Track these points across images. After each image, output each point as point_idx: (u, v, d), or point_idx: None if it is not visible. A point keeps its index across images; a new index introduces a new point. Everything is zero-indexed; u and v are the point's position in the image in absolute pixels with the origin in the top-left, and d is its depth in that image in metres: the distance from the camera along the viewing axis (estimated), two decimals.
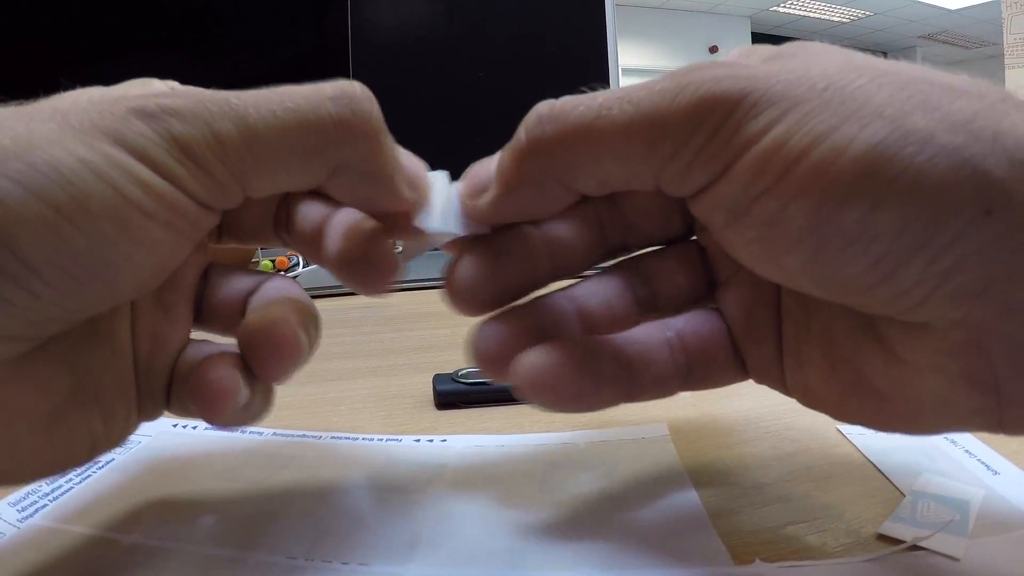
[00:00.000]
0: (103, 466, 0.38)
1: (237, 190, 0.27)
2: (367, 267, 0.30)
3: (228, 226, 0.32)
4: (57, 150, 0.22)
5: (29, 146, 0.22)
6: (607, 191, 0.29)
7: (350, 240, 0.29)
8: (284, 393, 0.51)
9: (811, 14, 8.71)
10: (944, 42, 9.31)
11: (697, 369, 0.31)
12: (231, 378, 0.28)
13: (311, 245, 0.31)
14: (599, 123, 0.26)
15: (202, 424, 0.44)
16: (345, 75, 1.05)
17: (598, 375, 0.29)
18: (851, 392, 0.28)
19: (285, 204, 0.32)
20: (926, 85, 0.23)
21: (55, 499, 0.35)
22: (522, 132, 0.28)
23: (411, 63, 1.15)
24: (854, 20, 8.80)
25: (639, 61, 8.42)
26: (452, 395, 0.48)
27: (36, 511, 0.34)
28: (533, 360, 0.28)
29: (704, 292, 0.32)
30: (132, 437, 0.41)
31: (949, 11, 8.04)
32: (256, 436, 0.43)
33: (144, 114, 0.24)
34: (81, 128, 0.23)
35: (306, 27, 1.20)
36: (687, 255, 0.32)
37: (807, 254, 0.24)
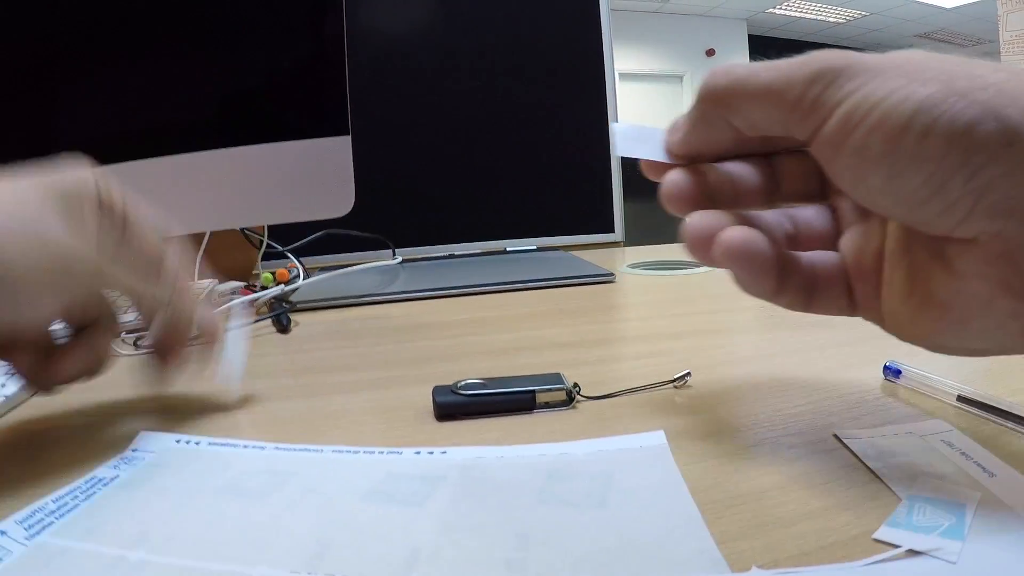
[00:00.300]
0: (108, 483, 0.39)
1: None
2: None
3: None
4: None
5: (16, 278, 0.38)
6: (755, 132, 0.39)
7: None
8: (284, 407, 0.52)
9: (807, 15, 8.71)
10: (940, 40, 9.30)
11: (819, 292, 0.41)
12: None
13: None
14: (752, 79, 0.37)
15: (205, 440, 0.45)
16: (342, 82, 1.05)
17: (786, 261, 0.40)
18: (921, 307, 0.36)
19: None
20: (970, 63, 0.32)
21: (61, 516, 0.35)
22: (701, 85, 0.39)
23: (407, 69, 1.16)
24: (850, 20, 8.79)
25: (635, 66, 8.42)
26: (452, 407, 0.48)
27: (43, 529, 0.34)
28: (739, 233, 0.38)
29: (831, 238, 0.43)
30: (136, 454, 0.42)
31: (944, 9, 8.04)
32: (258, 451, 0.43)
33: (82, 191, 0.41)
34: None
35: (302, 34, 1.21)
36: (822, 210, 0.44)
37: (883, 172, 0.33)
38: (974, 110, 0.30)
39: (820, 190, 0.43)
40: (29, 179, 0.42)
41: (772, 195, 0.43)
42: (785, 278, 0.39)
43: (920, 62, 0.33)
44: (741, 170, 0.42)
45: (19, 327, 0.40)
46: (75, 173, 0.45)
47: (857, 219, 0.41)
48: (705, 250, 0.38)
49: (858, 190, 0.35)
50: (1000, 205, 0.31)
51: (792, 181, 0.43)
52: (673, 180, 0.41)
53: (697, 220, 0.39)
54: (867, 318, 0.41)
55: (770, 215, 0.43)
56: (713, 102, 0.39)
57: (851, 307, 0.41)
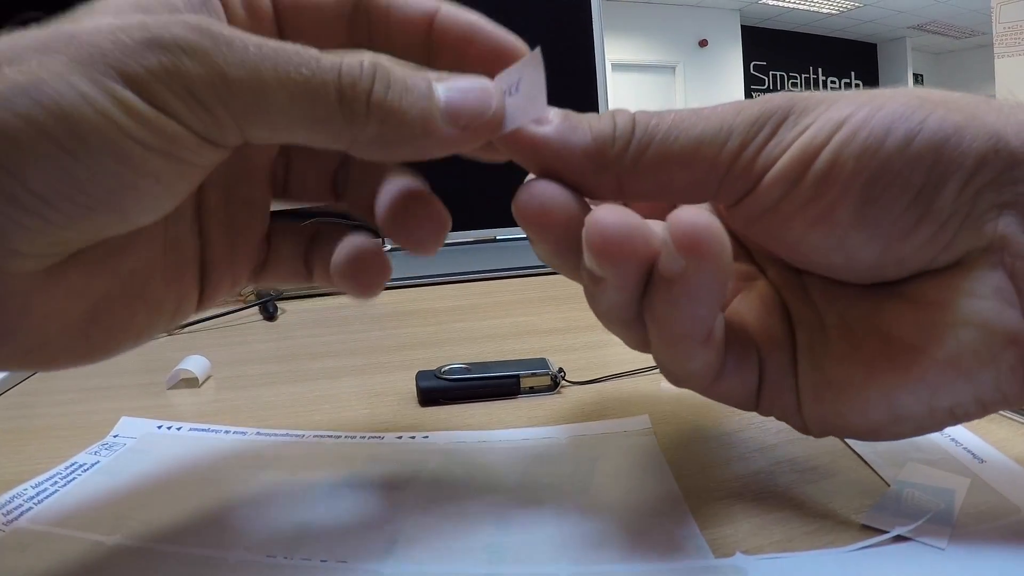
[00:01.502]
0: (89, 468, 0.38)
1: (237, 132, 0.26)
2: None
3: (283, 185, 0.37)
4: (61, 85, 0.23)
5: (37, 81, 0.23)
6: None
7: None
8: (268, 392, 0.51)
9: (800, 6, 8.72)
10: (934, 32, 9.33)
11: (728, 359, 0.32)
12: (387, 269, 0.36)
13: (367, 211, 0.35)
14: (678, 129, 0.29)
15: (187, 425, 0.44)
16: None
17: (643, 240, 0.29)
18: (880, 358, 0.29)
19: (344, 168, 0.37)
20: (931, 92, 0.28)
21: (40, 502, 0.35)
22: (608, 125, 0.29)
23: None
24: (843, 11, 8.81)
25: (627, 56, 8.43)
26: (435, 392, 0.48)
27: (21, 514, 0.34)
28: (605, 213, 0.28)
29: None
30: (117, 440, 0.41)
31: (938, 1, 8.06)
32: (240, 436, 0.42)
33: (158, 46, 0.24)
34: (89, 61, 0.23)
35: None
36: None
37: (856, 200, 0.27)
38: (957, 115, 0.27)
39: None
40: None
41: None
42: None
43: (883, 93, 0.28)
44: None
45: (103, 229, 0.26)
46: None
47: (750, 279, 0.35)
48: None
49: (805, 245, 0.29)
50: (986, 213, 0.27)
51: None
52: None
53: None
54: (773, 414, 0.33)
55: None
56: (623, 175, 0.29)
57: (755, 402, 0.33)
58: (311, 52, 0.26)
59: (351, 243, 0.35)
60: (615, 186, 0.30)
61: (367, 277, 0.35)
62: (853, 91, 0.29)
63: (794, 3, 8.65)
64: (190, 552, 0.30)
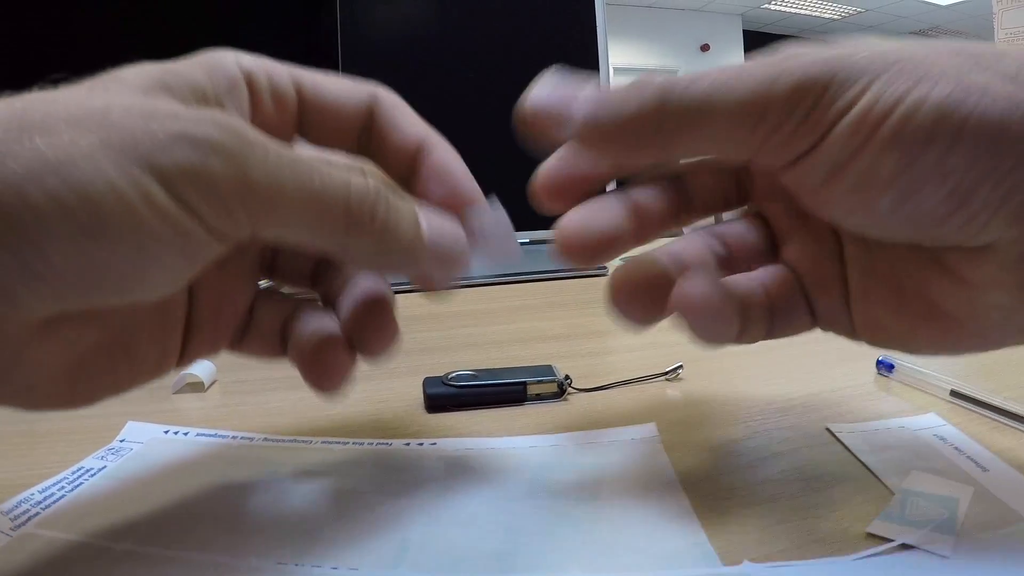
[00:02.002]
0: (95, 473, 0.38)
1: (249, 231, 0.27)
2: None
3: (269, 267, 0.39)
4: (91, 170, 0.23)
5: (68, 162, 0.23)
6: (688, 157, 0.35)
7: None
8: (274, 397, 0.51)
9: (802, 11, 8.73)
10: (935, 38, 9.33)
11: (778, 317, 0.35)
12: (345, 365, 0.35)
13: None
14: (711, 105, 0.29)
15: (194, 431, 0.44)
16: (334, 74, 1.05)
17: (732, 306, 0.33)
18: (922, 321, 0.32)
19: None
20: (976, 50, 0.28)
21: (47, 507, 0.35)
22: (634, 104, 0.30)
23: (400, 63, 1.15)
24: (845, 17, 8.82)
25: (629, 60, 8.43)
26: (442, 398, 0.48)
27: (29, 519, 0.34)
28: (695, 289, 0.32)
29: (770, 250, 0.37)
30: (124, 444, 0.42)
31: (940, 7, 8.06)
32: (247, 441, 0.43)
33: (189, 142, 0.25)
34: (120, 147, 0.24)
35: (295, 27, 1.20)
36: (751, 220, 0.38)
37: (897, 195, 0.28)
38: (999, 107, 0.26)
39: (738, 194, 0.38)
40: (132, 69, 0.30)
41: (682, 214, 0.37)
42: (746, 317, 0.34)
43: (917, 57, 0.28)
44: (648, 198, 0.36)
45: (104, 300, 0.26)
46: (202, 57, 0.32)
47: (797, 225, 0.36)
48: (639, 311, 0.35)
49: (852, 219, 0.31)
50: (1022, 206, 0.27)
51: (704, 192, 0.37)
52: (574, 226, 0.35)
53: (625, 285, 0.35)
54: (832, 331, 0.36)
55: (699, 241, 0.37)
56: (652, 132, 0.31)
57: (812, 323, 0.36)
58: (324, 163, 0.28)
59: (318, 325, 0.36)
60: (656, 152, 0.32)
61: (321, 368, 0.36)
62: (889, 54, 0.28)
63: (796, 8, 8.65)
64: (200, 558, 0.30)
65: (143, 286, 0.26)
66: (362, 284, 0.37)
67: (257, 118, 0.34)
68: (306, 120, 0.36)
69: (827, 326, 0.36)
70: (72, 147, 0.23)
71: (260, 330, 0.38)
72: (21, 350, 0.26)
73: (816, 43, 0.31)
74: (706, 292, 0.32)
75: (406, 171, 0.37)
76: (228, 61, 0.33)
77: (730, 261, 0.37)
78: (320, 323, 0.36)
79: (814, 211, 0.33)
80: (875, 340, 0.35)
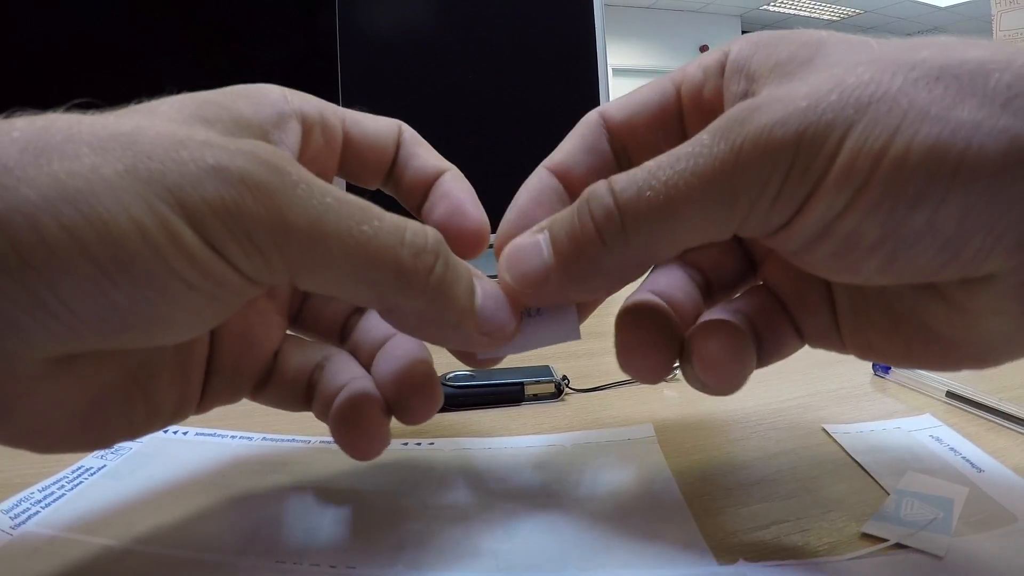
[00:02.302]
0: (96, 472, 0.39)
1: (286, 278, 0.25)
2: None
3: (295, 316, 0.37)
4: (113, 203, 0.21)
5: (87, 192, 0.21)
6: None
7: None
8: None
9: (801, 12, 8.72)
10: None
11: (766, 345, 0.33)
12: (384, 435, 0.32)
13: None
14: (672, 203, 0.26)
15: (193, 430, 0.44)
16: (334, 77, 1.05)
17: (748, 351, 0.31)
18: (917, 342, 0.30)
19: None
20: (956, 69, 0.24)
21: (48, 506, 0.35)
22: (590, 225, 0.28)
23: (399, 65, 1.15)
24: (844, 18, 8.81)
25: (628, 61, 8.42)
26: None
27: (29, 518, 0.34)
28: (714, 351, 0.30)
29: (748, 272, 0.36)
30: (123, 444, 0.42)
31: (939, 8, 8.06)
32: (246, 441, 0.43)
33: (221, 177, 0.23)
34: (147, 177, 0.22)
35: (294, 29, 1.20)
36: (727, 244, 0.35)
37: (883, 258, 0.25)
38: (993, 148, 0.23)
39: (748, 264, 0.36)
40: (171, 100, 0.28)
41: (708, 299, 0.36)
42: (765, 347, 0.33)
43: (892, 92, 0.24)
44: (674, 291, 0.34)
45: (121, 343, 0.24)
46: (244, 88, 0.31)
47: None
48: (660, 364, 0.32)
49: (842, 276, 0.28)
50: (1019, 238, 0.24)
51: (718, 271, 0.36)
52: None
53: (641, 360, 0.32)
54: (822, 348, 0.35)
55: (678, 273, 0.35)
56: (615, 251, 0.28)
57: (801, 342, 0.35)
58: (374, 210, 0.26)
59: (351, 380, 0.34)
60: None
61: (357, 432, 0.32)
62: (856, 91, 0.24)
63: (795, 9, 8.65)
64: (200, 557, 0.30)
65: (166, 331, 0.24)
66: (403, 345, 0.34)
67: (307, 154, 0.33)
68: (346, 157, 0.36)
69: (816, 344, 0.34)
70: (93, 175, 0.21)
71: (284, 377, 0.35)
72: (32, 387, 0.24)
73: (771, 40, 0.30)
74: (728, 354, 0.30)
75: (420, 199, 0.37)
76: (274, 93, 0.31)
77: (709, 288, 0.35)
78: (353, 378, 0.34)
79: (805, 269, 0.29)
80: (867, 356, 0.33)
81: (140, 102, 0.27)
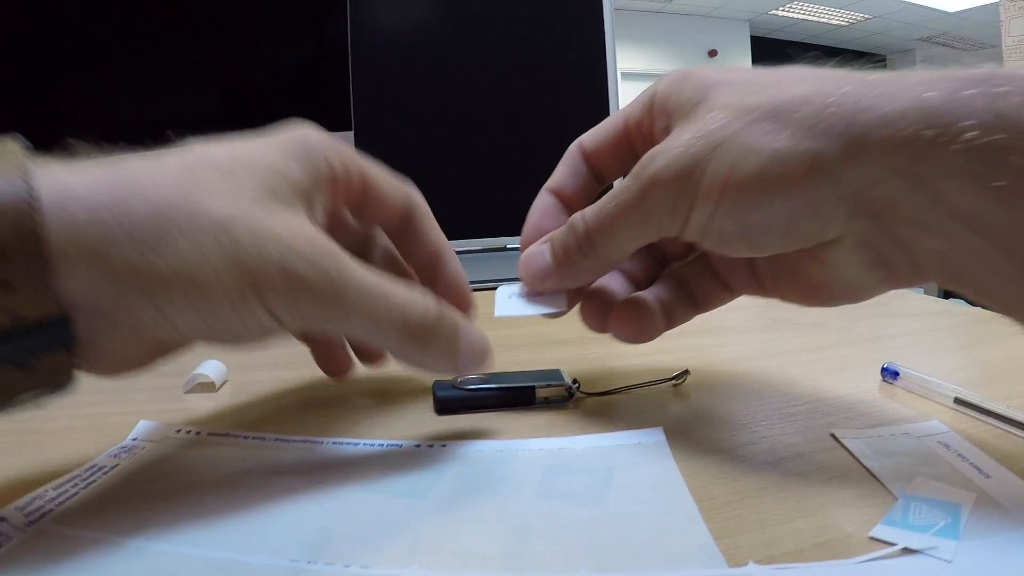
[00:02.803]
0: (109, 471, 0.39)
1: (321, 332, 0.40)
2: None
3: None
4: (218, 287, 0.33)
5: (200, 274, 0.33)
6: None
7: None
8: (286, 399, 0.52)
9: (810, 17, 8.70)
10: (943, 44, 9.30)
11: (699, 296, 0.48)
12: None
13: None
14: (614, 224, 0.41)
15: (206, 430, 0.45)
16: (344, 77, 1.05)
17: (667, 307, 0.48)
18: (809, 287, 0.42)
19: None
20: (781, 108, 0.36)
21: (61, 504, 0.35)
22: (572, 240, 0.43)
23: (410, 68, 1.15)
24: (853, 23, 8.79)
25: (637, 65, 8.41)
26: (452, 401, 0.48)
27: (43, 516, 0.34)
28: (626, 315, 0.46)
29: (691, 250, 0.50)
30: (136, 443, 0.42)
31: (948, 14, 8.04)
32: (258, 441, 0.43)
33: (286, 275, 0.34)
34: (241, 268, 0.33)
35: (305, 32, 1.20)
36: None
37: (748, 242, 0.38)
38: (802, 164, 0.35)
39: (689, 246, 0.50)
40: (219, 145, 0.38)
41: (663, 267, 0.51)
42: (671, 317, 0.47)
43: (727, 126, 0.37)
44: (632, 268, 0.51)
45: (223, 342, 0.37)
46: (294, 132, 0.41)
47: None
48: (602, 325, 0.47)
49: (731, 253, 0.41)
50: (844, 215, 0.36)
51: (672, 251, 0.51)
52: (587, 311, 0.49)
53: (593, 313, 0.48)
54: (749, 294, 0.48)
55: (615, 276, 0.51)
56: (588, 254, 0.43)
57: (730, 293, 0.48)
58: (391, 284, 0.38)
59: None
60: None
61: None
62: (714, 131, 0.37)
63: (804, 14, 8.63)
64: (214, 556, 0.31)
65: (237, 344, 0.37)
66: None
67: (335, 199, 0.42)
68: (360, 204, 0.45)
69: (744, 291, 0.47)
70: (205, 262, 0.32)
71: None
72: (133, 351, 0.36)
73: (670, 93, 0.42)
74: (634, 317, 0.46)
75: (424, 270, 0.49)
76: (318, 153, 0.40)
77: (667, 260, 0.52)
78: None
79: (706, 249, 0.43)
80: (782, 299, 0.45)
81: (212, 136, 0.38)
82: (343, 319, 0.36)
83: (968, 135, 0.31)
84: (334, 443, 0.42)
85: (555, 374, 0.50)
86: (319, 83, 1.17)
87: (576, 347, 0.64)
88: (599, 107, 1.18)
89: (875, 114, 0.34)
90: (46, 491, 0.36)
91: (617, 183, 0.42)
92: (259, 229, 0.34)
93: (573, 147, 0.49)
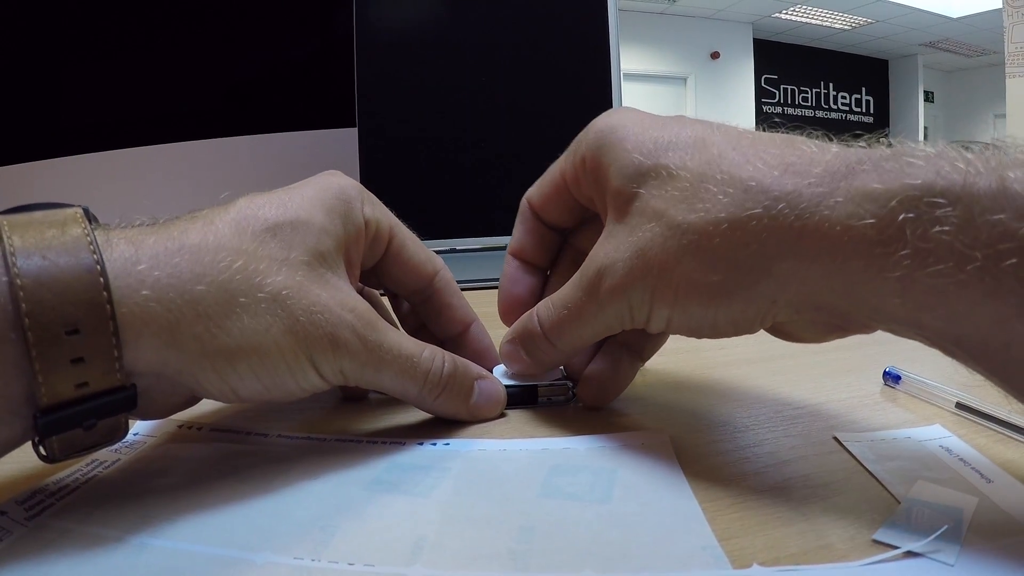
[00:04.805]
0: (109, 466, 0.39)
1: (354, 384, 0.42)
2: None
3: None
4: (277, 355, 0.37)
5: (261, 343, 0.36)
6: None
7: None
8: None
9: (813, 21, 8.70)
10: (946, 50, 9.30)
11: (645, 348, 0.49)
12: None
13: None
14: (566, 323, 0.44)
15: (208, 426, 0.45)
16: (350, 74, 1.05)
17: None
18: (783, 334, 0.42)
19: None
20: (712, 239, 0.36)
21: (61, 498, 0.35)
22: (532, 336, 0.46)
23: (415, 66, 1.15)
24: (856, 27, 8.79)
25: (639, 66, 8.41)
26: None
27: (43, 510, 0.34)
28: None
29: None
30: (137, 439, 0.42)
31: (951, 19, 8.04)
32: (261, 438, 0.43)
33: (332, 342, 0.38)
34: (295, 336, 0.37)
35: (311, 28, 1.21)
36: None
37: (707, 331, 0.40)
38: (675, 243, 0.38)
39: None
40: (267, 203, 0.40)
41: None
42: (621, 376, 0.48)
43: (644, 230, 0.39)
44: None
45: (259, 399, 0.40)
46: (333, 185, 0.44)
47: None
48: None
49: (700, 337, 0.41)
50: (792, 312, 0.37)
51: None
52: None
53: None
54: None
55: None
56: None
57: (666, 337, 0.49)
58: (410, 350, 0.42)
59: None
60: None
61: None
62: (648, 249, 0.39)
63: (807, 18, 8.63)
64: (216, 552, 0.31)
65: (282, 399, 0.40)
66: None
67: (365, 255, 0.46)
68: (385, 262, 0.48)
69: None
70: (267, 334, 0.36)
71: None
72: (180, 400, 0.39)
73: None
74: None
75: (452, 341, 0.52)
76: (356, 208, 0.44)
77: None
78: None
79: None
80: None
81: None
82: (376, 376, 0.41)
83: (901, 269, 0.31)
84: (337, 440, 0.43)
85: (558, 373, 0.50)
86: (324, 79, 1.17)
87: None
88: (602, 107, 1.17)
89: (808, 243, 0.34)
90: (46, 485, 0.36)
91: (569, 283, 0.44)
92: (310, 301, 0.38)
93: (523, 204, 0.52)
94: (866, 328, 0.37)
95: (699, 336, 0.40)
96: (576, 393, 0.49)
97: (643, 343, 0.48)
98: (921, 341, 0.34)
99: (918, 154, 0.32)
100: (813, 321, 0.38)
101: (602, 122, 0.44)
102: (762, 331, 0.40)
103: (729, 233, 0.36)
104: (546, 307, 0.45)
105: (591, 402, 0.48)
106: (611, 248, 0.41)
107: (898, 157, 0.33)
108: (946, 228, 0.30)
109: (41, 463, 0.35)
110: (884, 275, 0.32)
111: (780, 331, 0.41)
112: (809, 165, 0.35)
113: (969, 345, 0.32)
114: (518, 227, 0.52)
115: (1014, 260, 0.29)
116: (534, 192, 0.51)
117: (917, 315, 0.32)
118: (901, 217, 0.31)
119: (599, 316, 0.42)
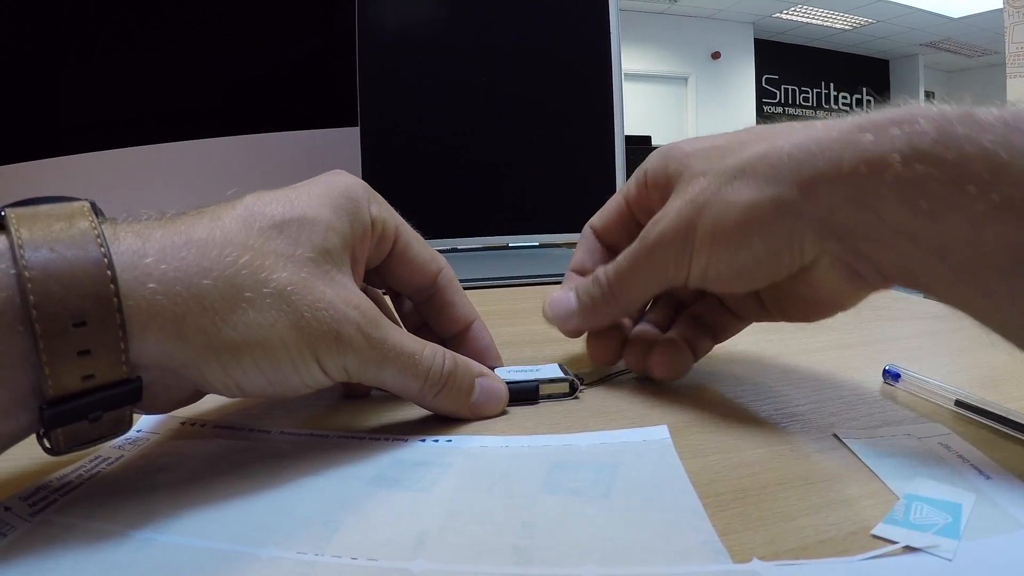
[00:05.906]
0: (113, 462, 0.39)
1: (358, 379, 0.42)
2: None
3: None
4: (283, 351, 0.37)
5: (267, 339, 0.36)
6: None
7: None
8: None
9: (814, 21, 8.71)
10: (946, 50, 9.31)
11: (716, 328, 0.55)
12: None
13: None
14: (628, 276, 0.51)
15: (211, 422, 0.45)
16: (352, 73, 1.05)
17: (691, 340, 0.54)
18: (804, 305, 0.49)
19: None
20: (750, 164, 0.44)
21: (65, 494, 0.35)
22: (596, 288, 0.53)
23: (417, 64, 1.16)
24: (857, 28, 8.80)
25: (640, 66, 8.41)
26: None
27: (47, 506, 0.34)
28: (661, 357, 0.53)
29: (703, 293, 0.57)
30: (140, 435, 0.42)
31: (952, 19, 8.04)
32: (264, 434, 0.43)
33: (336, 338, 0.39)
34: (300, 331, 0.37)
35: (313, 27, 1.21)
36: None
37: (742, 279, 0.46)
38: (772, 209, 0.42)
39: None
40: (274, 200, 0.41)
41: (679, 314, 0.58)
42: (696, 350, 0.54)
43: (709, 192, 0.45)
44: (656, 317, 0.58)
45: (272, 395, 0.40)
46: (340, 184, 0.45)
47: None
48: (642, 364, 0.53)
49: (731, 291, 0.50)
50: (813, 239, 0.42)
51: (685, 292, 0.58)
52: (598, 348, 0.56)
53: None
54: (756, 321, 0.55)
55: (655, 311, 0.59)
56: (613, 298, 0.52)
57: (741, 321, 0.56)
58: (412, 347, 0.43)
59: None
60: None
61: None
62: (698, 195, 0.46)
63: (808, 18, 8.63)
64: (220, 547, 0.31)
65: (286, 395, 0.40)
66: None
67: (371, 254, 0.47)
68: (390, 262, 0.49)
69: (752, 319, 0.55)
70: (272, 329, 0.36)
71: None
72: (185, 395, 0.39)
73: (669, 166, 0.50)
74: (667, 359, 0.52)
75: (454, 339, 0.54)
76: (363, 210, 0.44)
77: (682, 303, 0.59)
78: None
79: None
80: (786, 320, 0.52)
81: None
82: (378, 373, 0.41)
83: (894, 169, 0.38)
84: (340, 437, 0.43)
85: (559, 370, 0.51)
86: (326, 77, 1.17)
87: (579, 344, 0.64)
88: (604, 107, 1.18)
89: (822, 159, 0.41)
90: (50, 481, 0.37)
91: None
92: (315, 298, 0.38)
93: (586, 230, 0.59)
94: (879, 265, 0.41)
95: (733, 289, 0.47)
96: (653, 364, 0.52)
97: (715, 320, 0.55)
98: (918, 265, 0.40)
99: (899, 104, 0.40)
100: (835, 263, 0.43)
101: (661, 148, 0.52)
102: (762, 331, 0.41)
103: (760, 159, 0.43)
104: (611, 264, 0.51)
105: (660, 373, 0.52)
106: (666, 207, 0.48)
107: (885, 108, 0.41)
108: (926, 134, 0.37)
109: (44, 459, 0.35)
110: (882, 176, 0.38)
111: (808, 283, 0.45)
112: (828, 130, 0.42)
113: (951, 255, 0.38)
114: (579, 249, 0.59)
115: (978, 163, 0.35)
116: (596, 219, 0.59)
117: (911, 221, 0.38)
118: (893, 130, 0.38)
119: (650, 261, 0.48)
